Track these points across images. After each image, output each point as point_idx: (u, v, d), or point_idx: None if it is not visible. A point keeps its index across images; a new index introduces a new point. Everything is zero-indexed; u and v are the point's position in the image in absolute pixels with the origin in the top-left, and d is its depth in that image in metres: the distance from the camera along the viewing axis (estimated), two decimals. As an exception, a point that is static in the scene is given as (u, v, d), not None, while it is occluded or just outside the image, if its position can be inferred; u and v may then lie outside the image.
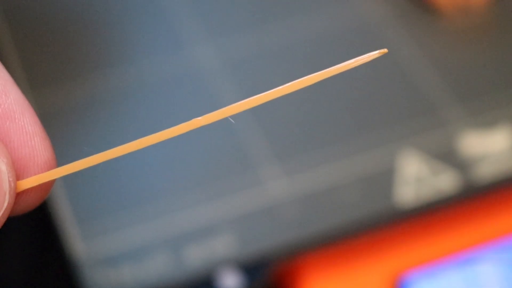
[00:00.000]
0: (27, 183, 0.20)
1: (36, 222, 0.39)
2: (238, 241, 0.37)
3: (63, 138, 0.39)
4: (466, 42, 0.45)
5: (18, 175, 0.20)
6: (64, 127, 0.40)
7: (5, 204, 0.19)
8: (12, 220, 0.20)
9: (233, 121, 0.19)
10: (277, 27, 0.45)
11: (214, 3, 0.46)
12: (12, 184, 0.19)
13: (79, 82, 0.41)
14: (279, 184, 0.38)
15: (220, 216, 0.37)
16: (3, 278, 0.38)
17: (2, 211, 0.19)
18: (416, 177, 0.39)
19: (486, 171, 0.39)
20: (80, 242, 0.36)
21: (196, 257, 0.36)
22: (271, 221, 0.37)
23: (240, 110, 0.19)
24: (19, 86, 0.20)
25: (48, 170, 0.20)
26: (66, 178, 0.37)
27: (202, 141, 0.40)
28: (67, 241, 0.36)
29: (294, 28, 0.45)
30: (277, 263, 0.37)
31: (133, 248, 0.36)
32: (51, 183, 0.20)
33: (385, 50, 0.19)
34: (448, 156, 0.40)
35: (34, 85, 0.41)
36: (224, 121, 0.43)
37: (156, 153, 0.39)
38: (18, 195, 0.20)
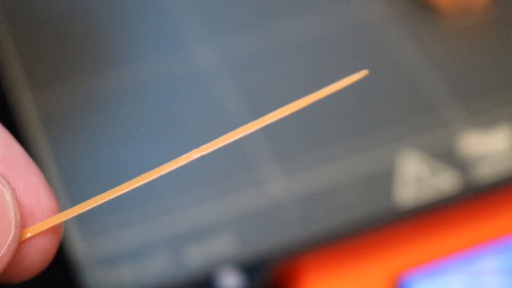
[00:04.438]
0: (34, 229, 0.19)
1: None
2: (238, 241, 0.37)
3: (63, 138, 0.39)
4: (466, 42, 0.45)
5: (24, 223, 0.19)
6: (64, 127, 0.40)
7: (11, 235, 0.18)
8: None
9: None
10: (277, 27, 0.45)
11: (214, 3, 0.46)
12: (18, 216, 0.18)
13: (79, 82, 0.41)
14: (279, 184, 0.38)
15: (220, 216, 0.37)
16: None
17: (7, 244, 0.18)
18: (416, 177, 0.39)
19: (486, 171, 0.39)
20: (80, 242, 0.36)
21: (196, 257, 0.36)
22: (271, 221, 0.37)
23: (234, 138, 0.20)
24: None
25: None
26: (65, 179, 0.37)
27: (201, 141, 0.40)
28: (67, 241, 0.36)
29: (294, 28, 0.45)
30: (277, 263, 0.37)
31: (133, 248, 0.36)
32: (57, 239, 0.20)
33: (366, 72, 0.19)
34: (448, 156, 0.39)
35: (34, 85, 0.41)
36: (224, 121, 0.42)
37: (155, 153, 0.39)
38: (25, 245, 0.19)
